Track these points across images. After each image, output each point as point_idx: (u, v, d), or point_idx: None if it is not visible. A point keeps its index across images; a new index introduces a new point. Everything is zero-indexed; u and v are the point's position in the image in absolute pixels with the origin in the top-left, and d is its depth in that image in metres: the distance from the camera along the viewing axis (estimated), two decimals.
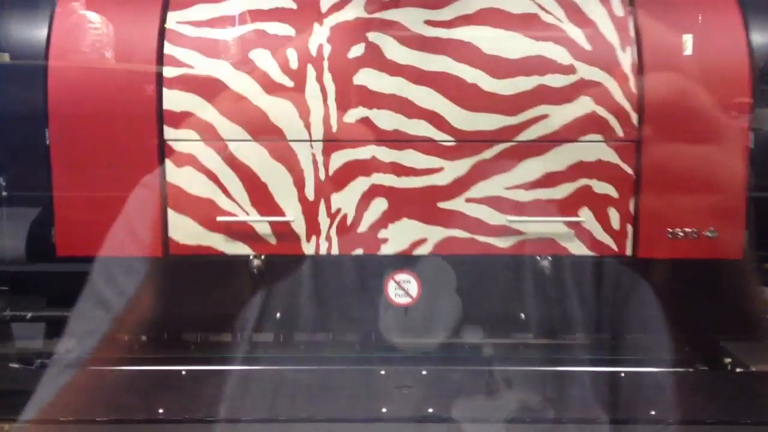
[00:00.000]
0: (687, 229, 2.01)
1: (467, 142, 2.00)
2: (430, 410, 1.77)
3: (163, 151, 1.98)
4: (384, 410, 1.80)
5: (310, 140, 1.99)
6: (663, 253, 2.03)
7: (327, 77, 1.98)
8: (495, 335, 2.10)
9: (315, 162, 2.00)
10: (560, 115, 1.99)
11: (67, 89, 1.96)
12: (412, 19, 2.01)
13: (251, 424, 1.67)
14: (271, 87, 1.97)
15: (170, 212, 2.00)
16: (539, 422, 1.61)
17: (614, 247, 2.04)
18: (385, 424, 1.70)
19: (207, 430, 1.65)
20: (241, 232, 2.01)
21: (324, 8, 2.02)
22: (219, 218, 1.99)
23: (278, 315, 2.06)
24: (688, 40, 1.98)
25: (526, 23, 2.01)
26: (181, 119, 1.97)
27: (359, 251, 2.04)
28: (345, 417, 1.68)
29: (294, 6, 2.02)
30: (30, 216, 1.97)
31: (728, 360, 2.05)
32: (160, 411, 1.65)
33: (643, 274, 2.04)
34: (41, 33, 1.98)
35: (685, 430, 1.63)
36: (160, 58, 1.97)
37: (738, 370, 2.04)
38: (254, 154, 1.99)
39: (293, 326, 2.09)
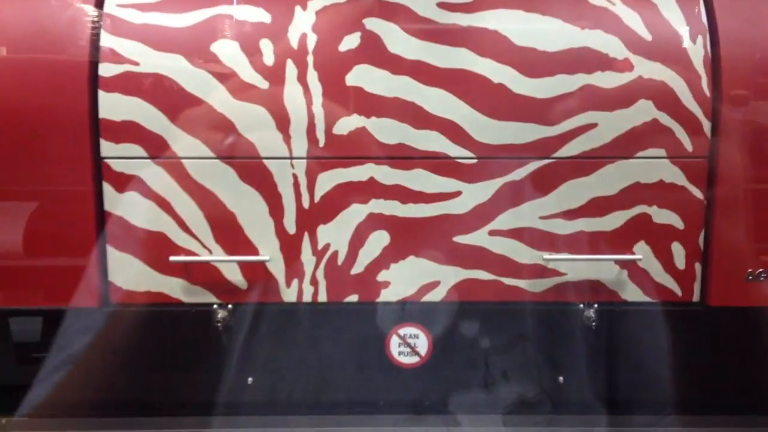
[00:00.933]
0: None
1: (492, 160, 1.56)
2: None
3: (99, 172, 1.53)
4: None
5: (291, 157, 1.54)
6: (740, 300, 1.59)
7: (312, 76, 1.53)
8: (524, 406, 1.66)
9: (297, 185, 1.55)
10: (612, 125, 1.55)
11: None
12: (422, 1, 1.56)
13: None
14: (239, 89, 1.52)
15: (110, 250, 1.55)
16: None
17: (678, 291, 1.61)
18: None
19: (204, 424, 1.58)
20: (202, 275, 1.57)
21: None
22: (173, 258, 1.54)
23: (249, 380, 1.62)
24: None
25: (569, 6, 1.57)
26: (122, 131, 1.52)
27: (353, 298, 1.60)
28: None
29: None
30: None
31: None
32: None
33: (716, 326, 1.60)
34: None
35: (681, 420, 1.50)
36: (96, 52, 1.52)
37: None
38: (218, 176, 1.54)
39: (269, 394, 1.64)
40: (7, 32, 1.51)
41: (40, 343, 1.57)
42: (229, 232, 1.56)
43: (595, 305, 1.60)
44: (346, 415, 1.53)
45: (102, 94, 1.52)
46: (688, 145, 1.56)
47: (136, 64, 1.53)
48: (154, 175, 1.54)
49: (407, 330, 1.62)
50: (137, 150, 1.53)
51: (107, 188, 1.54)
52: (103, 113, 1.52)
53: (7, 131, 1.50)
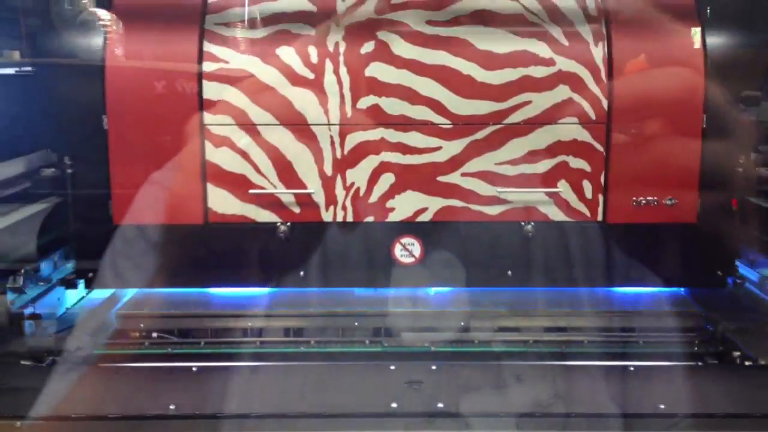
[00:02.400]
0: (649, 198, 2.36)
1: (462, 125, 2.35)
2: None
3: (203, 134, 2.32)
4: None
5: (329, 124, 2.33)
6: (628, 219, 2.38)
7: (342, 70, 2.32)
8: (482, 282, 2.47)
9: (332, 143, 2.34)
10: (541, 101, 2.33)
11: (121, 82, 2.30)
12: (416, 19, 2.35)
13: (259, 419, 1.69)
14: (295, 79, 2.31)
15: (209, 186, 2.35)
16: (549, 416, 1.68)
17: (587, 213, 2.40)
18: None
19: (215, 427, 1.66)
20: (269, 202, 2.36)
21: (340, 10, 2.36)
22: (251, 191, 2.34)
23: (302, 274, 2.42)
24: (651, 37, 2.33)
25: (514, 22, 2.35)
26: (218, 107, 2.31)
27: (370, 219, 2.39)
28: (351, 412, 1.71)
29: (314, 8, 2.36)
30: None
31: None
32: (171, 407, 1.66)
33: (612, 237, 2.40)
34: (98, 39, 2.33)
35: (692, 423, 1.65)
36: (201, 55, 2.31)
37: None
38: (281, 136, 2.33)
39: (315, 284, 2.44)
40: (157, 49, 2.30)
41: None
42: (287, 173, 2.35)
43: (532, 223, 2.40)
44: (357, 419, 1.68)
45: (205, 83, 2.31)
46: (593, 115, 2.34)
47: (227, 62, 2.32)
48: (238, 135, 2.33)
49: (406, 240, 2.42)
50: (227, 119, 2.32)
51: (208, 144, 2.33)
52: (205, 95, 2.31)
53: (143, 110, 2.29)
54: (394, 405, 1.66)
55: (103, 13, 2.34)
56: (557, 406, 1.68)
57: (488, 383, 1.82)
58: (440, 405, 1.66)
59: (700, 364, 2.04)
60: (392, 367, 1.86)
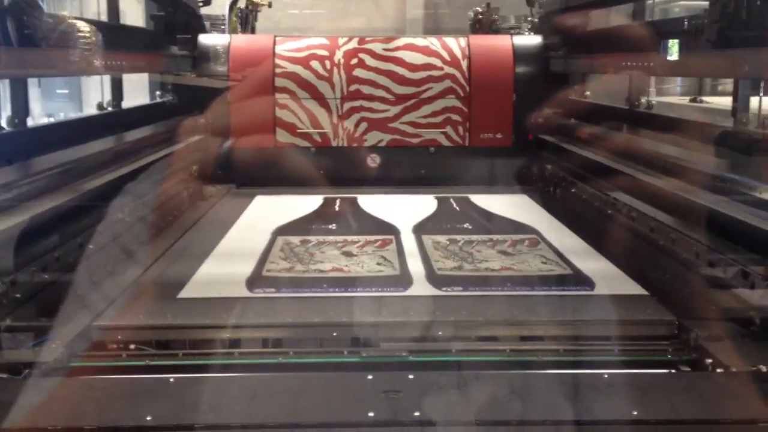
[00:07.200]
0: (489, 134, 4.94)
1: (400, 99, 4.90)
2: None
3: (274, 103, 4.85)
4: None
5: (335, 98, 4.86)
6: (480, 144, 4.95)
7: (342, 71, 4.85)
8: (408, 184, 5.01)
9: (337, 107, 4.87)
10: (438, 87, 4.89)
11: (236, 83, 4.83)
12: (377, 47, 4.90)
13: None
14: (319, 76, 4.84)
15: (277, 128, 4.87)
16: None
17: (461, 141, 4.95)
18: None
19: None
20: (306, 136, 4.90)
21: (340, 43, 4.90)
22: (298, 131, 4.88)
23: (321, 173, 4.96)
24: (490, 58, 4.91)
25: (425, 49, 4.91)
26: (282, 90, 4.84)
27: (355, 145, 4.93)
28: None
29: (328, 43, 4.90)
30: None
31: None
32: (148, 418, 1.56)
33: (473, 152, 4.97)
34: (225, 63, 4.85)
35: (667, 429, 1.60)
36: (275, 65, 4.84)
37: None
38: (312, 104, 4.86)
39: (326, 175, 4.97)
40: (253, 64, 4.83)
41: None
42: (315, 122, 4.87)
43: (434, 147, 4.95)
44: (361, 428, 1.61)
45: (276, 78, 4.83)
46: (462, 94, 4.87)
47: (286, 68, 4.85)
48: (291, 104, 4.86)
49: (373, 155, 4.96)
50: (287, 96, 4.84)
51: (277, 109, 4.84)
52: (276, 85, 4.83)
53: (252, 93, 4.81)
54: (371, 414, 1.58)
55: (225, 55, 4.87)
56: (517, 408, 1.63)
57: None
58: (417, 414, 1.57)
59: (672, 371, 2.00)
60: (370, 377, 1.76)
